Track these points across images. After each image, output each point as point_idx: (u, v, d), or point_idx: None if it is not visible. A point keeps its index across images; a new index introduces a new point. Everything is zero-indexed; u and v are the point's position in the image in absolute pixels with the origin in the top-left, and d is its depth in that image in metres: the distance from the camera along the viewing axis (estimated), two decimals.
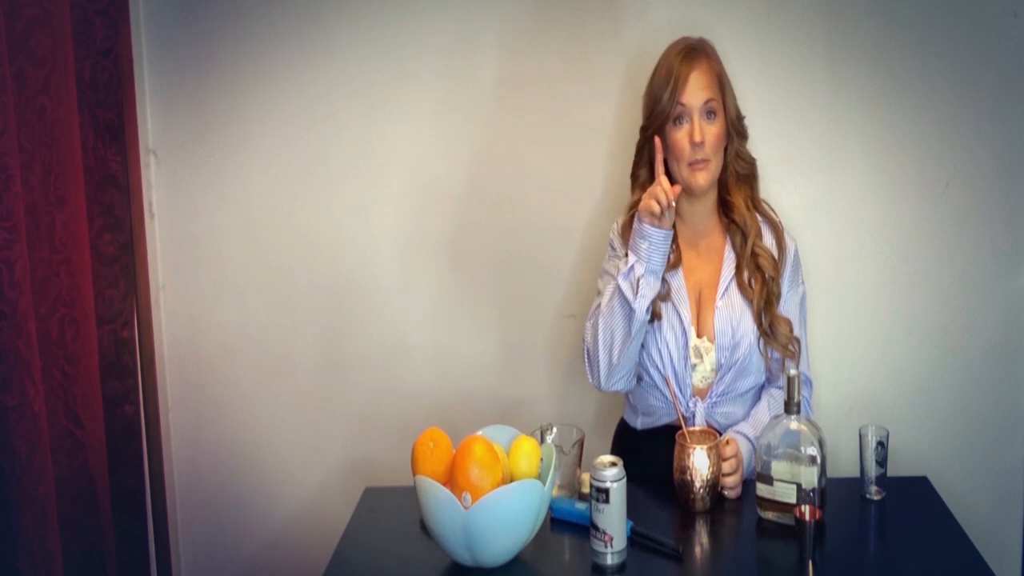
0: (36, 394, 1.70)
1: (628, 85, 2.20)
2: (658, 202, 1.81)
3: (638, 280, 1.85)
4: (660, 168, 1.88)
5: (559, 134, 2.28)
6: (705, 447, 1.77)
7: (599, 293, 1.96)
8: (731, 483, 1.82)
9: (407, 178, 2.33)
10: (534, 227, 2.32)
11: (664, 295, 1.93)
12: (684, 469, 1.78)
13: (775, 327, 1.92)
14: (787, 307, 1.95)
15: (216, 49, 2.29)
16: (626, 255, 1.90)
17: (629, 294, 1.85)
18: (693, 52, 1.89)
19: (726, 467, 1.81)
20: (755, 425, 1.91)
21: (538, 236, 2.33)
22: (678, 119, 1.87)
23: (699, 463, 1.77)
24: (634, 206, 1.96)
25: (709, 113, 1.87)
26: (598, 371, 1.92)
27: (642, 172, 1.97)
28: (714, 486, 1.79)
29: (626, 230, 1.96)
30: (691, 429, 1.82)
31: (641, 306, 1.85)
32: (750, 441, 1.88)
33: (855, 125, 2.24)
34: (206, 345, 2.40)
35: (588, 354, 1.94)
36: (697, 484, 1.77)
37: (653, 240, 1.84)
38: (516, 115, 2.29)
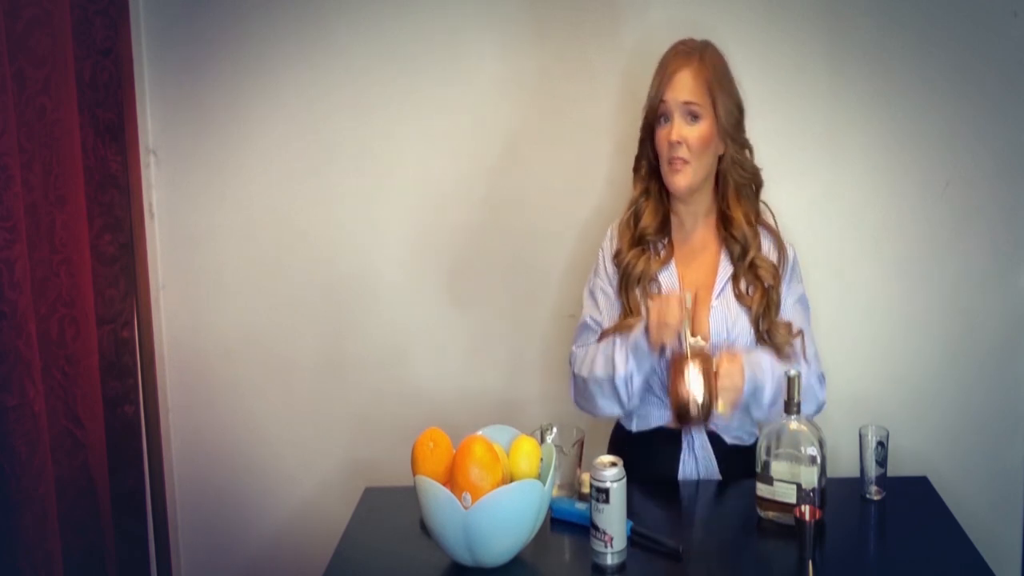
0: (36, 394, 1.70)
1: (628, 85, 2.20)
2: (668, 323, 1.79)
3: (636, 387, 1.88)
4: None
5: (559, 134, 2.29)
6: (698, 360, 1.77)
7: (586, 317, 1.98)
8: (727, 398, 1.78)
9: (407, 178, 2.33)
10: (534, 227, 2.32)
11: (655, 294, 1.93)
12: (679, 385, 1.78)
13: (773, 333, 1.90)
14: (786, 312, 1.94)
15: (216, 49, 2.30)
16: (625, 314, 1.91)
17: (624, 396, 1.89)
18: (688, 53, 1.88)
19: (722, 373, 1.78)
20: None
21: (538, 236, 2.33)
22: (663, 117, 1.87)
23: (693, 378, 1.77)
24: (635, 202, 1.96)
25: (692, 116, 1.86)
26: (587, 411, 1.98)
27: (643, 164, 1.97)
28: (708, 402, 1.78)
29: (625, 229, 1.96)
30: (689, 347, 1.81)
31: (634, 403, 1.90)
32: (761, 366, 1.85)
33: (855, 125, 2.24)
34: (206, 345, 2.40)
35: (576, 391, 1.98)
36: (693, 399, 1.77)
37: (653, 361, 1.85)
38: (516, 115, 2.29)
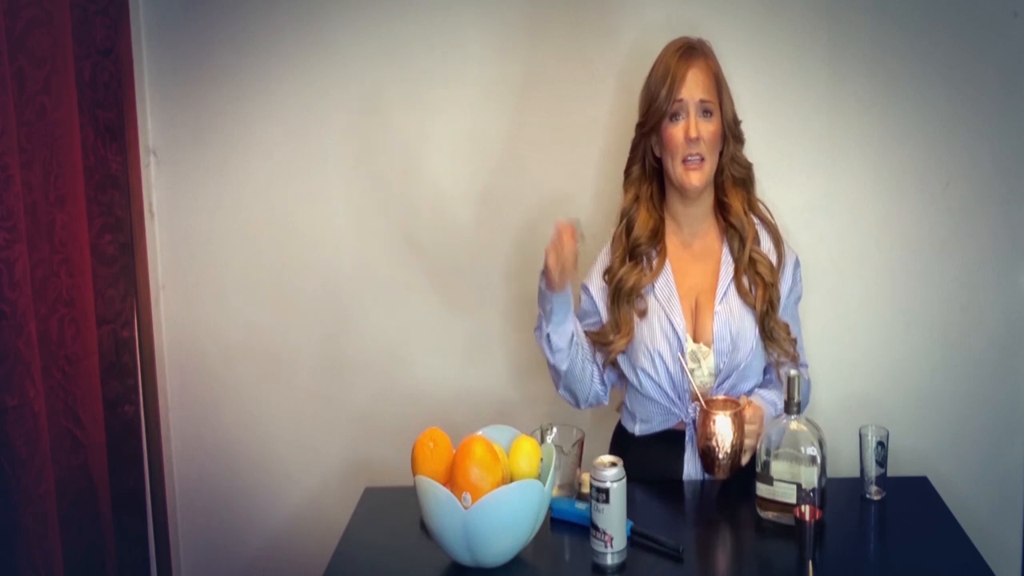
0: (36, 394, 1.70)
1: (625, 84, 2.20)
2: (557, 255, 1.79)
3: (547, 337, 1.89)
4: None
5: (557, 133, 2.28)
6: (729, 413, 1.78)
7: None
8: (749, 446, 1.82)
9: (406, 178, 2.33)
10: (533, 226, 2.32)
11: (642, 311, 1.93)
12: (708, 436, 1.79)
13: (775, 331, 1.91)
14: (786, 313, 1.95)
15: (216, 49, 2.30)
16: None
17: (547, 353, 1.92)
18: (691, 51, 1.88)
19: (748, 431, 1.81)
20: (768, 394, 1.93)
21: (536, 235, 2.32)
22: (674, 116, 1.87)
23: (722, 430, 1.77)
24: (626, 212, 1.97)
25: (705, 111, 1.87)
26: (568, 400, 2.03)
27: (635, 169, 1.97)
28: (737, 453, 1.79)
29: (617, 243, 1.97)
30: (713, 398, 1.84)
31: (559, 359, 1.91)
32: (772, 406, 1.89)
33: (855, 125, 2.24)
34: (206, 345, 2.40)
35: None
36: (721, 452, 1.78)
37: (555, 302, 1.85)
38: (515, 114, 2.29)
